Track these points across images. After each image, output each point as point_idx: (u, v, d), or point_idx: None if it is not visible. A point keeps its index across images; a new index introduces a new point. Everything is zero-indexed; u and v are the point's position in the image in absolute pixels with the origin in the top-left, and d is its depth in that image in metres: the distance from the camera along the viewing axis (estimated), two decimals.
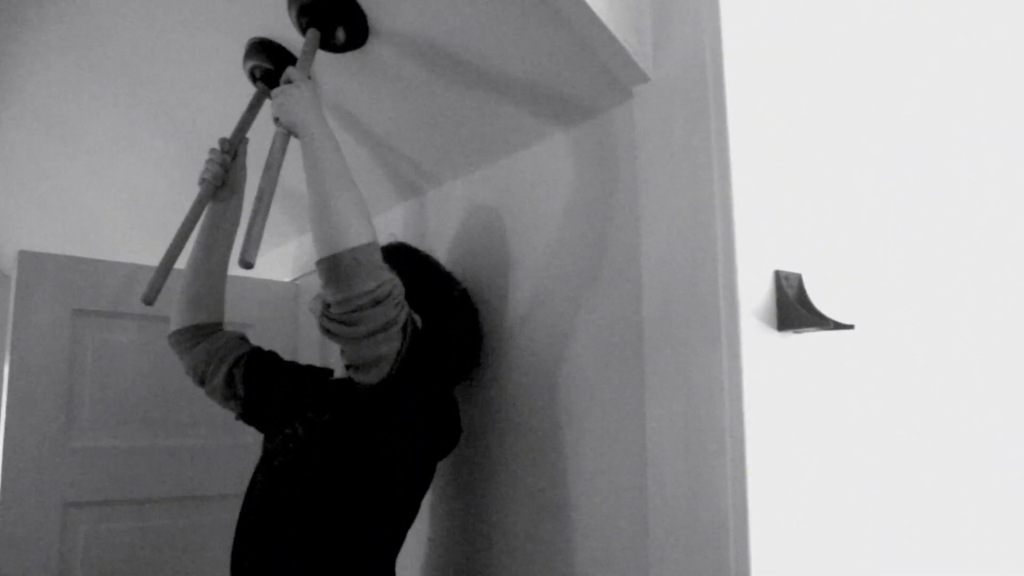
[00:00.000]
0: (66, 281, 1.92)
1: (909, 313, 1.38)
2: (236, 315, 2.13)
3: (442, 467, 1.56)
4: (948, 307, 1.45)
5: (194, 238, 1.64)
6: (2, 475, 1.80)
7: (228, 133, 1.62)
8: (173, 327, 1.67)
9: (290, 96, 1.42)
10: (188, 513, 2.05)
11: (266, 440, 1.63)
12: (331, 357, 2.17)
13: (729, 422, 1.10)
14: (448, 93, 1.57)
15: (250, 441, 2.06)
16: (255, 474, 1.56)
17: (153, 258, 1.64)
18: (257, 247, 1.35)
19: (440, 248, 1.79)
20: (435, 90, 1.57)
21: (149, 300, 1.54)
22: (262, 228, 1.37)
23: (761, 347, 1.13)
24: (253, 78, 1.70)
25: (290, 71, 1.46)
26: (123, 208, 2.79)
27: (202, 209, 1.60)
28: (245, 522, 1.51)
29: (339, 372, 1.61)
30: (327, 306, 1.33)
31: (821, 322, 1.15)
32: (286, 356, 2.21)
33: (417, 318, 1.46)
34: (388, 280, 1.32)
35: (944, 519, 1.37)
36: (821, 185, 1.27)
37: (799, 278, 1.19)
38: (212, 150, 1.61)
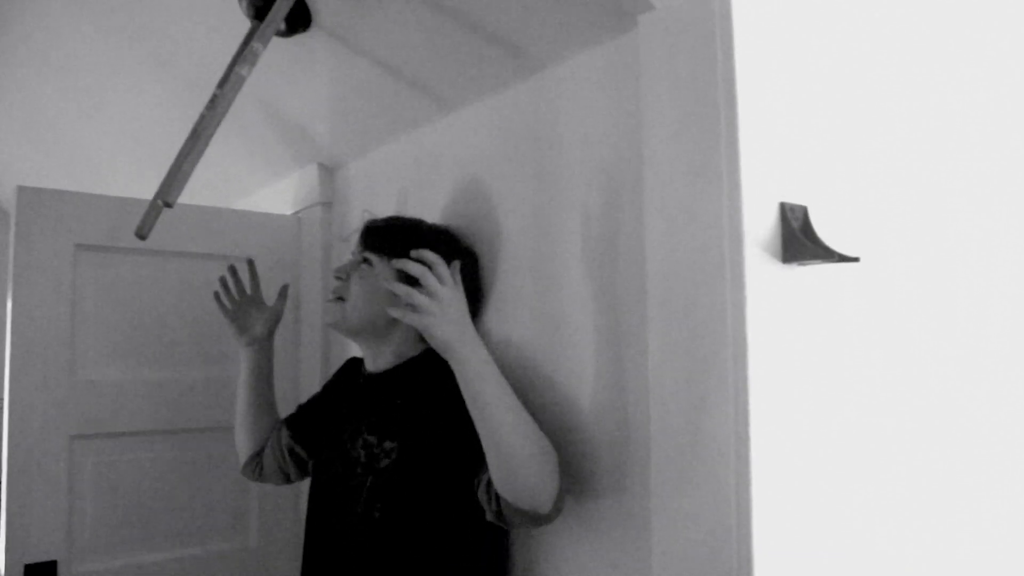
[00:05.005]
0: (66, 216, 1.91)
1: (916, 246, 1.38)
2: (238, 249, 2.13)
3: None
4: (956, 241, 1.45)
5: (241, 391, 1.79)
6: (9, 408, 1.82)
7: (224, 66, 1.59)
8: (241, 461, 1.82)
9: (435, 315, 1.17)
10: (195, 444, 2.08)
11: (320, 458, 1.65)
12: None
13: (732, 353, 1.10)
14: (444, 23, 1.54)
15: None
16: (318, 489, 1.60)
17: (151, 192, 1.63)
18: (181, 188, 1.28)
19: (439, 181, 1.78)
20: (430, 19, 1.55)
21: (142, 235, 1.53)
22: (191, 169, 1.30)
23: (765, 279, 1.13)
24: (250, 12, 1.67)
25: (431, 284, 1.18)
26: (120, 142, 2.77)
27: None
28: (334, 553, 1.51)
29: (372, 365, 1.59)
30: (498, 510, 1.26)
31: (826, 254, 1.14)
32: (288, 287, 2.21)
33: None
34: (563, 495, 1.27)
35: (947, 456, 1.38)
36: (829, 117, 1.26)
37: (804, 210, 1.18)
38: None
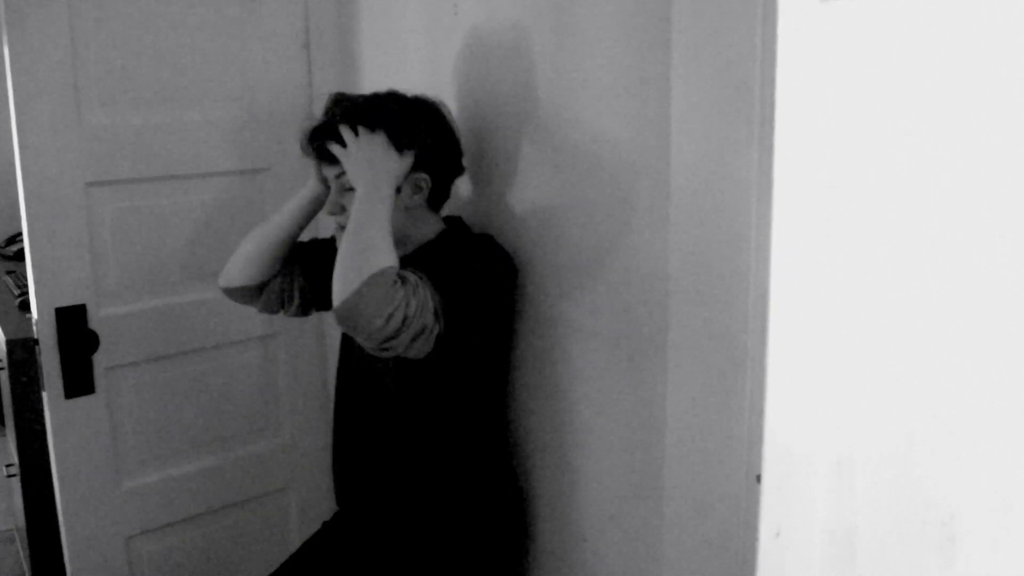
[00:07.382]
0: None
1: None
2: None
3: None
4: None
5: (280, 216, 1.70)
6: (20, 156, 1.80)
7: None
8: (237, 283, 1.71)
9: (361, 155, 1.45)
10: (213, 188, 2.08)
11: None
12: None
13: (759, 96, 1.04)
14: None
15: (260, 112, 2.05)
16: (344, 374, 1.72)
17: None
18: None
19: None
20: None
21: None
22: None
23: (799, 16, 1.04)
24: None
25: (347, 137, 1.46)
26: None
27: None
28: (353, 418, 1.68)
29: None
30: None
31: None
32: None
33: (426, 179, 1.52)
34: (398, 305, 1.30)
35: (982, 221, 1.34)
36: None
37: None
38: None
